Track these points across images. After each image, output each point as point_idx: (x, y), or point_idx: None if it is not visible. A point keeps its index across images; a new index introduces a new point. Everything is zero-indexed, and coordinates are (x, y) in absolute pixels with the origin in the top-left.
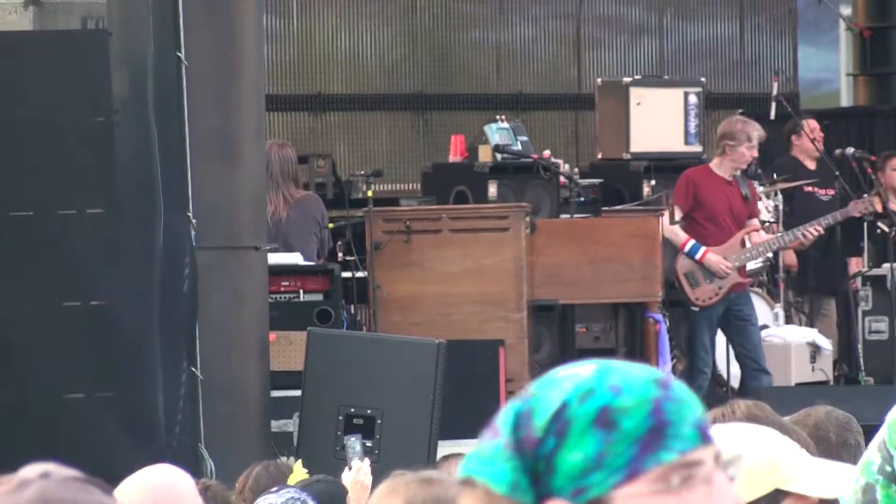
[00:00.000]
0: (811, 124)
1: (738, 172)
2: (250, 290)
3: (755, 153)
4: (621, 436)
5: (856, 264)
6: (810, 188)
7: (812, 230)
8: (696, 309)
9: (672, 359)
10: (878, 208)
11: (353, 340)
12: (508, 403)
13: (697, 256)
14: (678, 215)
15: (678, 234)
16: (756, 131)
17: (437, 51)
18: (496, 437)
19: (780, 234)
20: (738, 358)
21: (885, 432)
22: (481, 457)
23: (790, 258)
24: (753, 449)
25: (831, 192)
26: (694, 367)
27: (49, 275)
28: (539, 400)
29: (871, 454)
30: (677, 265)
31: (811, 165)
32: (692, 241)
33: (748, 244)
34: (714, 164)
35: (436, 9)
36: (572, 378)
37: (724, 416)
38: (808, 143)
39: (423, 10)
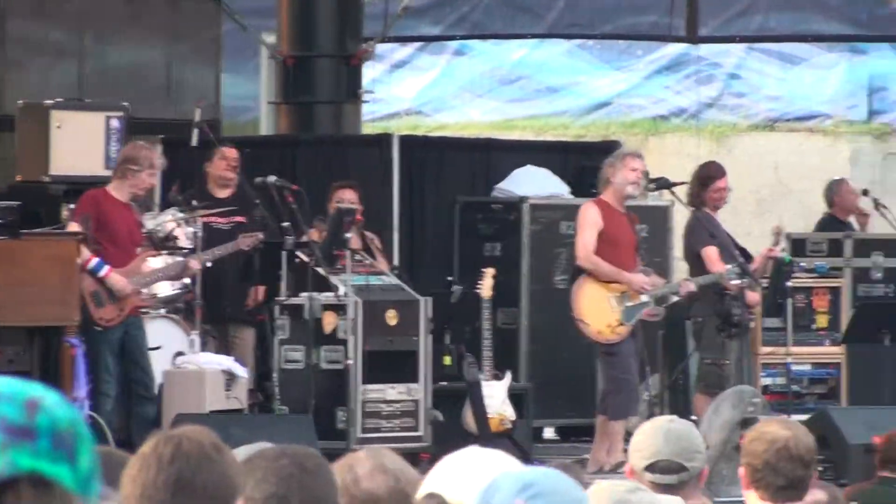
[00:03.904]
0: (229, 153)
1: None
2: None
3: (154, 181)
4: None
5: (261, 293)
6: (209, 218)
7: (201, 261)
8: (99, 329)
9: (90, 383)
10: (316, 237)
11: None
12: None
13: (101, 274)
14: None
15: (83, 252)
16: (159, 159)
17: None
18: None
19: (176, 262)
20: (130, 384)
21: None
22: None
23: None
24: None
25: (240, 219)
26: (98, 390)
27: None
28: None
29: None
30: (83, 284)
31: (222, 194)
32: (96, 259)
33: (146, 269)
34: (112, 187)
35: None
36: None
37: None
38: (216, 172)
39: None
